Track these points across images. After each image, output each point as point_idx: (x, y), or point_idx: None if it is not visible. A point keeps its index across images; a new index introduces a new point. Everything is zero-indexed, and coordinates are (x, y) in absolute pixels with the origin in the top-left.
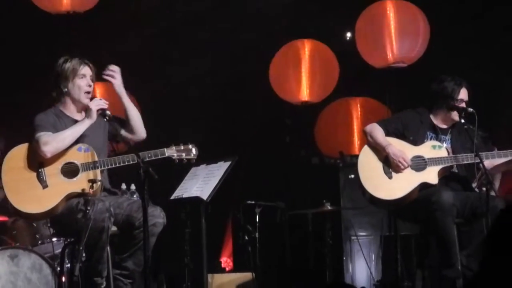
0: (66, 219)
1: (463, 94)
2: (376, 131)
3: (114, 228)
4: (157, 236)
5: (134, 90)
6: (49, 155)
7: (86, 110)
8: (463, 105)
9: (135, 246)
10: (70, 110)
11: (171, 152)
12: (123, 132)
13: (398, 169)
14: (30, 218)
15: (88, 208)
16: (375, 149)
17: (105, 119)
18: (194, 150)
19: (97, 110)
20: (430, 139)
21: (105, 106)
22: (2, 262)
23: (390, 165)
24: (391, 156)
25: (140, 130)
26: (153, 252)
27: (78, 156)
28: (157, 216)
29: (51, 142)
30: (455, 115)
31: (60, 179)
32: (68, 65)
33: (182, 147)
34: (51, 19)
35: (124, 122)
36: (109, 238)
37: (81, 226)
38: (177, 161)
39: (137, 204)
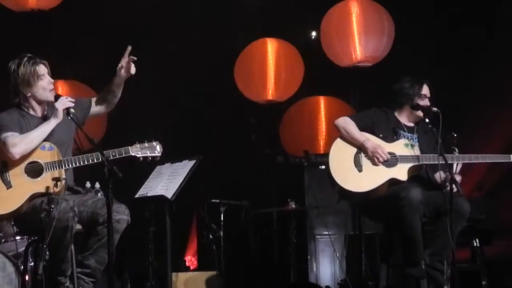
0: (30, 218)
1: (425, 90)
2: (350, 125)
3: (78, 226)
4: (120, 233)
5: (98, 90)
6: (17, 156)
7: (53, 110)
8: (426, 101)
9: (98, 242)
10: (35, 110)
11: (135, 150)
12: (94, 111)
13: (376, 162)
14: None
15: (52, 207)
16: (348, 142)
17: (69, 117)
18: (158, 148)
19: (62, 111)
20: (399, 136)
21: (71, 105)
22: None
23: (362, 158)
24: (370, 149)
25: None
26: (117, 250)
27: (42, 155)
28: (122, 213)
29: (19, 143)
30: (419, 113)
31: (24, 179)
32: (24, 69)
33: (146, 145)
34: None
35: (91, 102)
36: (74, 236)
37: (45, 225)
38: (141, 159)
39: (102, 201)
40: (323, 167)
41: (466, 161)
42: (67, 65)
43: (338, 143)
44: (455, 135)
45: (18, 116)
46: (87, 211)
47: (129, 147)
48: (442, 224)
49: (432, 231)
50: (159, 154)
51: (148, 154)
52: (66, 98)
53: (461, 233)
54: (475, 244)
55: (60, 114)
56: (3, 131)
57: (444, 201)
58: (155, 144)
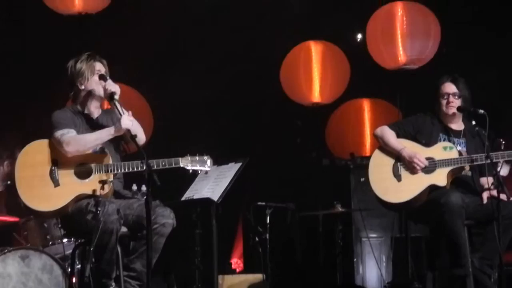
0: (76, 219)
1: (447, 88)
2: (388, 134)
3: (124, 229)
4: (166, 237)
5: (145, 94)
6: (69, 155)
7: (109, 117)
8: (451, 98)
9: (144, 246)
10: (88, 107)
11: (185, 162)
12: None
13: (414, 171)
14: (39, 215)
15: (99, 209)
16: (386, 152)
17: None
18: (209, 162)
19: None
20: (443, 141)
21: (131, 127)
22: (13, 263)
23: (401, 167)
24: (406, 159)
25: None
26: (164, 252)
27: (92, 157)
28: (167, 217)
29: (74, 143)
30: (461, 116)
31: (72, 179)
32: (81, 64)
33: (197, 158)
34: (62, 20)
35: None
36: (119, 239)
37: (91, 227)
38: (191, 171)
39: None
40: (363, 179)
41: None
42: (114, 68)
43: (377, 154)
44: (503, 141)
45: (72, 114)
46: (133, 214)
47: (180, 159)
48: (491, 228)
49: (482, 234)
50: (209, 169)
51: (198, 168)
52: (129, 117)
53: None
54: None
55: (122, 131)
56: (59, 128)
57: (496, 207)
58: (206, 158)
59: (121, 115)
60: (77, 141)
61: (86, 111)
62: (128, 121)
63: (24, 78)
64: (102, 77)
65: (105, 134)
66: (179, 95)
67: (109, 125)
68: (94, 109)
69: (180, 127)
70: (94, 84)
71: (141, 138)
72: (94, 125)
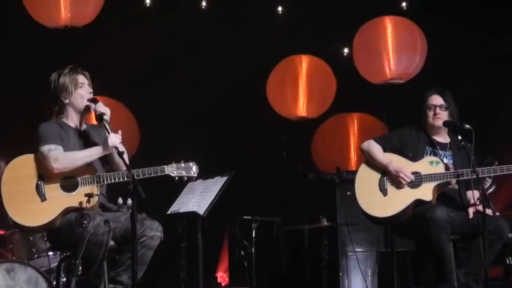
0: (64, 233)
1: (434, 100)
2: (374, 148)
3: (111, 243)
4: (154, 250)
5: (131, 106)
6: (56, 171)
7: (96, 131)
8: (437, 110)
9: (131, 259)
10: (74, 120)
11: (171, 169)
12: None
13: (400, 185)
14: (27, 230)
15: (85, 222)
16: (373, 166)
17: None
18: (194, 168)
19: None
20: (430, 154)
21: (120, 147)
22: None
23: (387, 181)
24: (393, 173)
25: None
26: (149, 266)
27: (78, 170)
28: (155, 230)
29: (62, 160)
30: (448, 130)
31: (59, 193)
32: (64, 78)
33: (182, 165)
34: (48, 33)
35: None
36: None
37: (79, 239)
38: (176, 178)
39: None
40: (349, 193)
41: (498, 173)
42: (100, 81)
43: (363, 168)
44: (496, 162)
45: (58, 127)
46: (120, 227)
47: (165, 166)
48: (477, 243)
49: (467, 249)
50: (195, 175)
51: (184, 174)
52: (117, 135)
53: None
54: (508, 262)
55: (110, 149)
56: (45, 142)
57: (482, 221)
58: (191, 165)
59: (108, 133)
60: (65, 158)
61: (72, 125)
62: (116, 139)
63: (9, 90)
64: (92, 101)
65: (94, 152)
66: (164, 108)
67: (96, 140)
68: (80, 122)
69: (166, 140)
70: (78, 97)
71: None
72: (81, 137)
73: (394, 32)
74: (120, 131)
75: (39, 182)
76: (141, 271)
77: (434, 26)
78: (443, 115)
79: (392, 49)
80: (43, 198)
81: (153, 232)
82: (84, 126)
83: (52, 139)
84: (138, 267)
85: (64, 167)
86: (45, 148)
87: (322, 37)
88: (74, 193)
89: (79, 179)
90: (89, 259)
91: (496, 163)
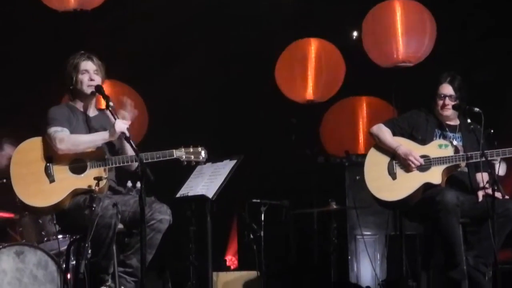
0: (73, 215)
1: (444, 89)
2: (383, 132)
3: (120, 226)
4: (162, 233)
5: (140, 90)
6: (61, 152)
7: (104, 119)
8: (446, 100)
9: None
10: (81, 104)
11: (179, 154)
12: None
13: (409, 169)
14: (36, 212)
15: (94, 205)
16: (382, 150)
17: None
18: (203, 153)
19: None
20: (439, 137)
21: (127, 133)
22: (8, 259)
23: (396, 165)
24: (402, 156)
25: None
26: (158, 249)
27: (87, 153)
28: (164, 213)
29: (67, 142)
30: (457, 113)
31: (67, 175)
32: (69, 63)
33: (191, 149)
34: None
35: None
36: (116, 235)
37: (88, 222)
38: (185, 163)
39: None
40: (358, 177)
41: (507, 155)
42: (109, 65)
43: (372, 152)
44: (491, 130)
45: (68, 111)
46: (129, 210)
47: (174, 150)
48: (487, 227)
49: (477, 232)
50: (204, 160)
51: (193, 159)
52: (124, 121)
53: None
54: None
55: (116, 135)
56: (53, 125)
57: (491, 205)
58: (200, 150)
59: (115, 119)
60: (70, 141)
61: (80, 109)
62: (122, 125)
63: (18, 74)
64: (96, 88)
65: (100, 137)
66: (174, 92)
67: (104, 125)
68: (89, 107)
69: (175, 123)
70: (79, 83)
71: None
72: (90, 123)
73: (403, 15)
74: (131, 113)
75: (48, 164)
76: (150, 255)
77: (443, 9)
78: (451, 105)
79: (402, 32)
80: (51, 179)
81: (161, 215)
82: (94, 111)
83: (59, 121)
84: (147, 250)
85: (68, 149)
86: (52, 129)
87: (331, 20)
88: (82, 175)
89: (88, 162)
90: (97, 241)
91: (492, 131)
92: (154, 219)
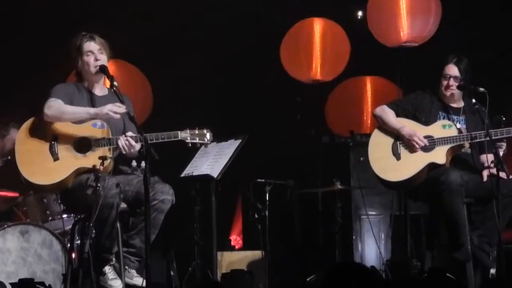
0: (77, 194)
1: (450, 70)
2: (387, 113)
3: (123, 205)
4: (165, 213)
5: (145, 69)
6: (46, 118)
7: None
8: (451, 81)
9: (143, 222)
10: (89, 84)
11: (184, 135)
12: None
13: (413, 149)
14: (40, 189)
15: (98, 184)
16: (386, 131)
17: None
18: (208, 136)
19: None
20: (443, 119)
21: (116, 116)
22: (13, 238)
23: (400, 146)
24: (406, 137)
25: None
26: (163, 229)
27: (92, 132)
28: (166, 193)
29: (53, 109)
30: (461, 94)
31: (71, 153)
32: (71, 44)
33: (196, 132)
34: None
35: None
36: (119, 215)
37: (91, 202)
38: (190, 144)
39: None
40: (362, 159)
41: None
42: (114, 44)
43: (376, 134)
44: (503, 117)
45: (74, 89)
46: (132, 190)
47: (179, 132)
48: (492, 207)
49: (482, 212)
50: (209, 142)
51: (197, 141)
52: (118, 105)
53: None
54: None
55: (101, 115)
56: (50, 97)
57: (496, 185)
58: (205, 132)
59: (120, 99)
60: (57, 108)
61: (89, 89)
62: (114, 107)
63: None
64: (101, 68)
65: (84, 111)
66: (178, 71)
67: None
68: (96, 87)
69: (180, 103)
70: (85, 65)
71: None
72: (96, 102)
73: None
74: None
75: (52, 142)
76: (153, 234)
77: None
78: (456, 85)
79: (407, 12)
80: (55, 157)
81: (164, 195)
82: (103, 91)
83: (57, 94)
84: (150, 230)
85: (53, 116)
86: (48, 100)
87: (336, 0)
88: (86, 154)
89: (92, 141)
90: (100, 221)
91: (504, 119)
92: (156, 199)
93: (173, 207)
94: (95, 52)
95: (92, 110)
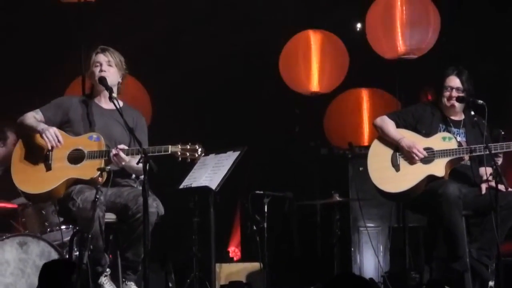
0: (65, 205)
1: (451, 81)
2: (387, 124)
3: (113, 216)
4: (152, 226)
5: (144, 81)
6: (16, 124)
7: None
8: (453, 92)
9: (132, 235)
10: (98, 98)
11: (175, 150)
12: None
13: (413, 161)
14: (30, 198)
15: (97, 196)
16: (385, 142)
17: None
18: (199, 151)
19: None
20: (443, 131)
21: (48, 146)
22: (11, 249)
23: (399, 157)
24: (405, 148)
25: None
26: (161, 240)
27: (87, 144)
28: (150, 206)
29: (21, 118)
30: (462, 107)
31: (64, 164)
32: (89, 55)
33: (188, 147)
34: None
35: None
36: (111, 227)
37: (74, 214)
38: (179, 159)
39: (134, 193)
40: (361, 168)
41: (511, 149)
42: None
43: (376, 144)
44: (502, 132)
45: (75, 102)
46: (121, 202)
47: (170, 146)
48: (491, 219)
49: (481, 224)
50: (199, 158)
51: (187, 156)
52: (55, 136)
53: None
54: None
55: (42, 134)
56: (41, 108)
57: (495, 197)
58: (197, 147)
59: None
60: (22, 118)
61: (97, 101)
62: (50, 136)
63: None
64: (100, 79)
65: (34, 126)
66: (178, 82)
67: (119, 120)
68: (103, 99)
69: (179, 114)
70: (91, 75)
71: None
72: (102, 115)
73: (406, 6)
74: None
75: (48, 153)
76: (142, 247)
77: (447, 0)
78: (456, 98)
79: (405, 24)
80: (48, 168)
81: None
82: (110, 104)
83: (44, 107)
84: (137, 243)
85: (17, 124)
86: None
87: (335, 11)
88: (79, 165)
89: (86, 152)
90: (84, 234)
91: (502, 133)
92: (140, 212)
93: (171, 219)
94: (102, 64)
95: (39, 127)
